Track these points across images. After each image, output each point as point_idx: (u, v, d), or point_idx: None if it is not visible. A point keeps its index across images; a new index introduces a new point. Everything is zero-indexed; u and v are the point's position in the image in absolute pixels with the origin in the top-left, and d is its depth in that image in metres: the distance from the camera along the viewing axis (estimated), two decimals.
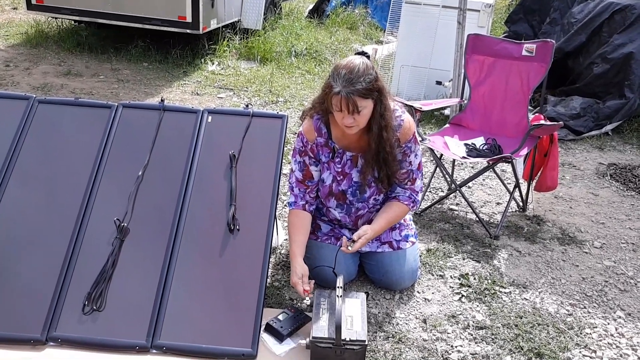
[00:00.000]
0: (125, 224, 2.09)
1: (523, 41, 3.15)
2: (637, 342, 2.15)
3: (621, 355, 2.08)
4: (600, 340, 2.15)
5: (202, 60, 5.64)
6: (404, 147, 2.16)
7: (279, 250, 2.57)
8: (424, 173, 2.31)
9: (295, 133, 4.01)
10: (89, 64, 5.41)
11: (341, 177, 2.22)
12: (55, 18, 6.05)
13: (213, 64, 5.62)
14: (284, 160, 3.20)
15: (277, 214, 2.54)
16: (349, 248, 2.11)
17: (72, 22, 6.27)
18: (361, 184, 2.21)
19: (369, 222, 2.29)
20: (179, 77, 5.20)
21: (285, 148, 2.38)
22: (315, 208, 2.30)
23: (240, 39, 6.13)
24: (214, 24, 5.56)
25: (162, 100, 2.40)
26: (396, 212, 2.24)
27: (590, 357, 2.05)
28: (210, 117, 2.35)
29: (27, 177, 2.19)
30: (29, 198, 2.14)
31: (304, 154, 2.22)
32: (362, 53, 2.06)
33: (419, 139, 2.25)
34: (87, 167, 2.21)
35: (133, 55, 5.67)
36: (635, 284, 2.53)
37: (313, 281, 2.06)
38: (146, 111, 2.37)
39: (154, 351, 1.87)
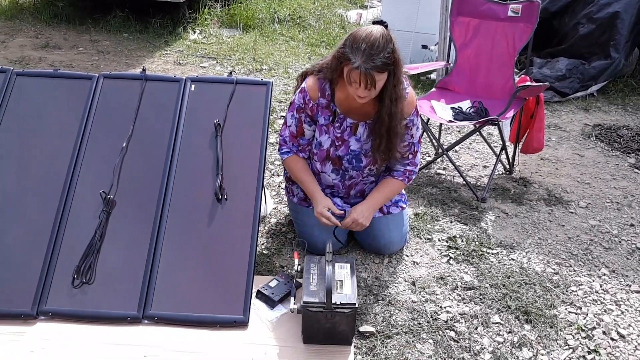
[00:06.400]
0: (112, 197, 2.07)
1: (509, 1, 3.11)
2: (621, 298, 2.20)
3: (605, 311, 2.13)
4: (586, 297, 2.19)
5: (183, 29, 5.52)
6: (407, 120, 2.13)
7: (267, 219, 2.57)
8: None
9: (280, 101, 3.97)
10: (67, 35, 5.28)
11: (339, 142, 2.18)
12: None
13: (195, 32, 5.50)
14: (269, 129, 3.17)
15: (265, 182, 2.52)
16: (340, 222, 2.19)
17: None
18: (358, 152, 2.19)
19: (361, 192, 2.29)
20: (161, 47, 5.09)
21: (270, 116, 2.35)
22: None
23: (222, 6, 6.00)
24: None
25: (144, 70, 2.35)
26: (392, 189, 2.25)
27: (576, 314, 2.10)
28: (193, 86, 2.31)
29: (7, 151, 2.14)
30: (12, 172, 2.11)
31: (302, 111, 2.17)
32: (381, 22, 1.96)
33: None
34: (69, 140, 2.18)
35: (112, 25, 5.54)
36: (619, 242, 2.57)
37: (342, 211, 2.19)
38: (128, 81, 2.32)
39: (146, 321, 1.88)
